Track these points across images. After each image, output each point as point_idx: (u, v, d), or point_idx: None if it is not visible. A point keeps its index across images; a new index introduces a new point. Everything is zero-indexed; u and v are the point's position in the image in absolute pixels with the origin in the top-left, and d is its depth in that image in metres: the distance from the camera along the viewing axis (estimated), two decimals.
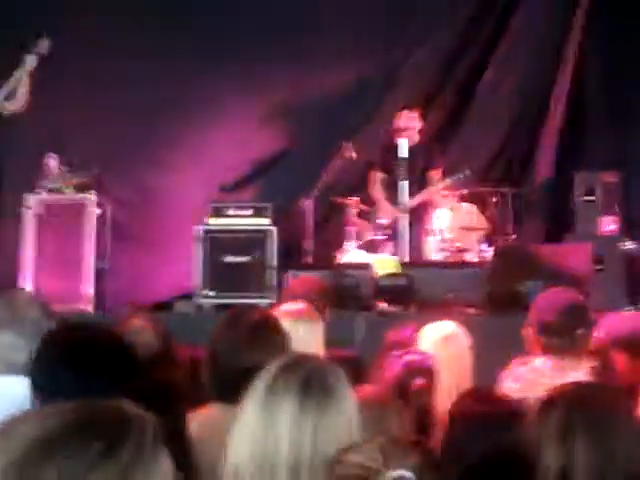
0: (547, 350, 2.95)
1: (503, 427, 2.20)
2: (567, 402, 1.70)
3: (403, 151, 7.87)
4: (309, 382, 1.80)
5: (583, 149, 8.85)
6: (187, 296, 8.05)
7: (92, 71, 8.86)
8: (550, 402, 1.73)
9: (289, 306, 3.76)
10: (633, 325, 3.87)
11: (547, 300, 3.26)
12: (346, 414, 1.80)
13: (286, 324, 2.93)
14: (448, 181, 7.96)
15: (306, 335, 3.50)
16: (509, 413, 2.13)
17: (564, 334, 2.91)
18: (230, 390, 2.40)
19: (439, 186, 7.97)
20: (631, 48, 8.56)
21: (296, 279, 4.70)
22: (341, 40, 8.92)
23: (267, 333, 2.56)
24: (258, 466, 1.75)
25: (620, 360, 3.60)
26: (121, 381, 2.00)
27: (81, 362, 2.06)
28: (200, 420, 2.48)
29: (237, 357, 2.49)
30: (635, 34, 8.52)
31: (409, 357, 3.41)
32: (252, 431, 1.78)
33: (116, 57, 8.79)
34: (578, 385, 1.92)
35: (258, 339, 2.52)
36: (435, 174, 8.07)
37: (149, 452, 1.19)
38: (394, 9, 8.96)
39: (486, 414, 2.26)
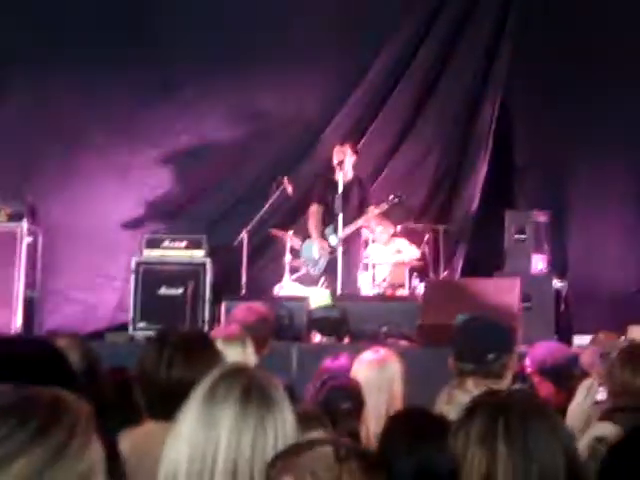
0: (465, 376, 3.01)
1: (432, 442, 2.24)
2: (488, 408, 1.74)
3: (339, 185, 7.97)
4: (249, 389, 1.81)
5: (513, 188, 9.04)
6: (121, 327, 7.98)
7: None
8: (472, 409, 1.77)
9: (222, 329, 3.76)
10: (558, 355, 3.97)
11: (462, 327, 3.33)
12: (285, 423, 1.82)
13: (219, 345, 2.93)
14: (376, 211, 8.05)
15: (239, 359, 3.50)
16: (439, 429, 2.17)
17: (475, 359, 2.98)
18: (162, 407, 2.40)
19: (369, 215, 8.06)
20: (555, 91, 8.82)
21: (239, 307, 4.69)
22: (283, 75, 9.01)
23: (197, 349, 2.55)
24: (196, 471, 1.75)
25: (544, 388, 3.69)
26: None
27: (16, 373, 2.03)
28: (133, 438, 2.47)
29: (167, 373, 2.48)
30: (554, 82, 8.78)
31: (335, 382, 3.45)
32: (191, 436, 1.78)
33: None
34: (498, 392, 1.96)
35: (188, 355, 2.51)
36: (370, 209, 8.16)
37: (81, 436, 1.21)
38: (332, 48, 9.08)
39: (416, 430, 2.30)
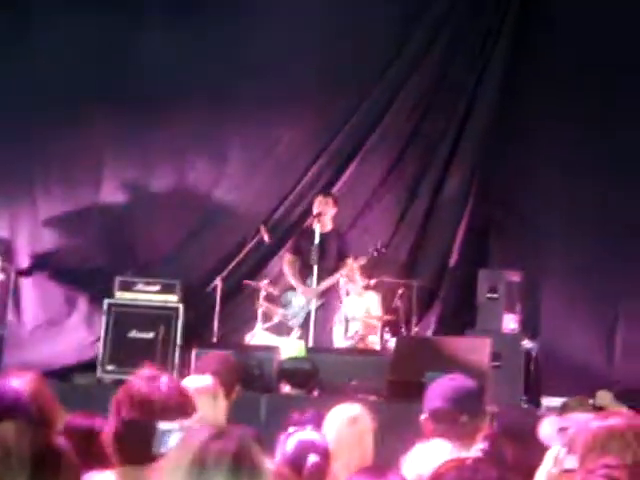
0: (437, 435, 3.02)
1: None
2: (449, 477, 1.76)
3: (317, 236, 8.00)
4: (240, 457, 1.77)
5: (486, 248, 9.12)
6: (88, 367, 7.91)
7: None
8: (434, 477, 1.79)
9: (195, 379, 3.75)
10: (524, 418, 3.99)
11: (436, 387, 3.35)
12: None
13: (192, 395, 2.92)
14: (355, 265, 8.07)
15: (210, 410, 3.50)
16: None
17: (449, 420, 3.00)
18: (137, 454, 2.38)
19: (347, 268, 8.08)
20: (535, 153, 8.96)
21: (208, 355, 4.68)
22: (263, 121, 9.08)
23: (180, 400, 2.54)
24: None
25: (509, 451, 3.70)
26: None
27: None
28: None
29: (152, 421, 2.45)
30: (535, 142, 8.92)
31: (303, 436, 3.45)
32: None
33: None
34: (464, 462, 1.97)
35: (171, 404, 2.49)
36: (347, 262, 8.16)
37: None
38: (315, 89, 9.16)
39: None
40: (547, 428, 3.32)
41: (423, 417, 3.08)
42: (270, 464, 1.87)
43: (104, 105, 8.84)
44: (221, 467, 1.76)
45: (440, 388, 3.23)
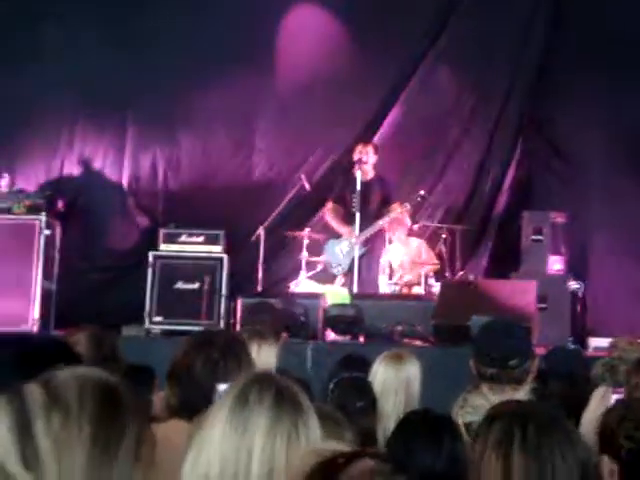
0: (485, 379, 3.01)
1: (444, 444, 2.25)
2: (505, 417, 1.75)
3: (358, 183, 7.96)
4: (282, 395, 1.81)
5: (530, 189, 9.02)
6: (136, 320, 8.01)
7: None
8: (489, 418, 1.78)
9: (252, 328, 3.79)
10: (572, 358, 3.98)
11: (483, 330, 3.33)
12: (315, 430, 1.82)
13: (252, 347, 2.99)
14: (399, 210, 8.03)
15: (266, 359, 3.57)
16: (451, 431, 2.18)
17: (498, 364, 2.99)
18: (192, 408, 2.42)
19: (392, 214, 8.04)
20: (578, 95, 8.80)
21: (252, 303, 4.73)
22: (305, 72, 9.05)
23: (239, 353, 2.58)
24: (230, 475, 1.75)
25: (559, 391, 3.70)
26: None
27: (30, 370, 2.05)
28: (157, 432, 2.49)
29: (211, 376, 2.49)
30: (580, 86, 8.76)
31: (350, 380, 3.48)
32: (223, 440, 1.77)
33: None
34: (517, 402, 1.97)
35: (231, 359, 2.54)
36: (393, 207, 8.11)
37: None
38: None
39: (429, 432, 2.32)
40: (598, 368, 3.31)
41: (472, 360, 3.07)
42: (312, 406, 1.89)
43: None
44: (263, 403, 1.78)
45: (488, 331, 3.21)
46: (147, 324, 7.86)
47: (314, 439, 1.81)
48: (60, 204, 8.72)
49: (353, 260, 7.97)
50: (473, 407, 2.86)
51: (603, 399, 2.76)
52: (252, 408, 1.79)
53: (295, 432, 1.79)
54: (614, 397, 2.63)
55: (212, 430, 1.81)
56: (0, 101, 8.91)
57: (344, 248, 8.11)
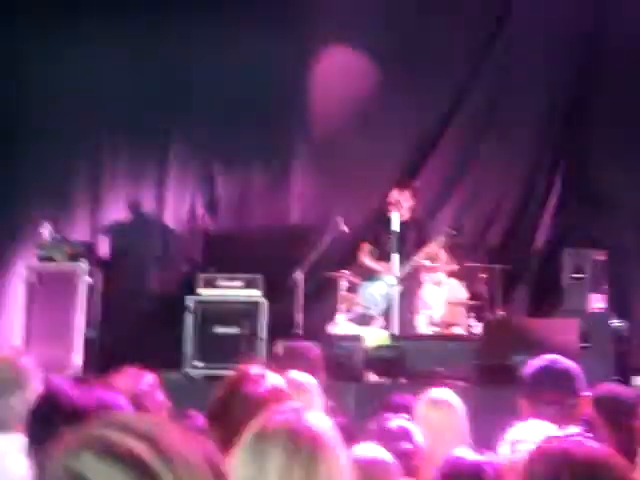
0: (542, 417, 2.98)
1: None
2: (552, 454, 1.73)
3: (395, 224, 7.96)
4: (298, 429, 1.82)
5: (569, 227, 8.96)
6: (176, 365, 8.02)
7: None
8: (536, 454, 1.76)
9: (293, 375, 3.78)
10: (622, 397, 3.91)
11: (540, 369, 3.29)
12: (335, 465, 1.81)
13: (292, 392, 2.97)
14: (434, 245, 8.00)
15: (308, 404, 3.55)
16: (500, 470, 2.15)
17: (547, 401, 2.95)
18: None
19: (428, 250, 8.01)
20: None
21: (293, 346, 4.72)
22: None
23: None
24: None
25: (606, 430, 3.63)
26: None
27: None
28: None
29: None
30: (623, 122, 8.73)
31: (394, 423, 3.46)
32: (239, 471, 1.79)
33: None
34: (563, 438, 1.95)
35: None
36: (431, 245, 8.09)
37: None
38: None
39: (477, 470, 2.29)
40: None
41: (520, 399, 3.04)
42: (345, 452, 1.87)
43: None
44: (278, 439, 1.78)
45: (545, 370, 3.18)
46: (187, 369, 7.88)
47: (337, 475, 1.79)
48: (102, 251, 8.82)
49: (390, 301, 7.94)
50: (520, 445, 2.82)
51: None
52: (268, 442, 1.79)
53: (312, 467, 1.78)
54: None
55: (234, 465, 1.81)
56: (40, 149, 9.08)
57: (380, 289, 8.10)
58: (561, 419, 3.05)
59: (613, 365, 7.43)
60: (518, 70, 9.14)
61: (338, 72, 9.33)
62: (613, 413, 3.69)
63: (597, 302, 7.95)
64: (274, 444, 1.80)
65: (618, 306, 8.18)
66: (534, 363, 3.36)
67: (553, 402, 2.96)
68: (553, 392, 2.98)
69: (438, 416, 3.59)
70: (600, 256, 8.09)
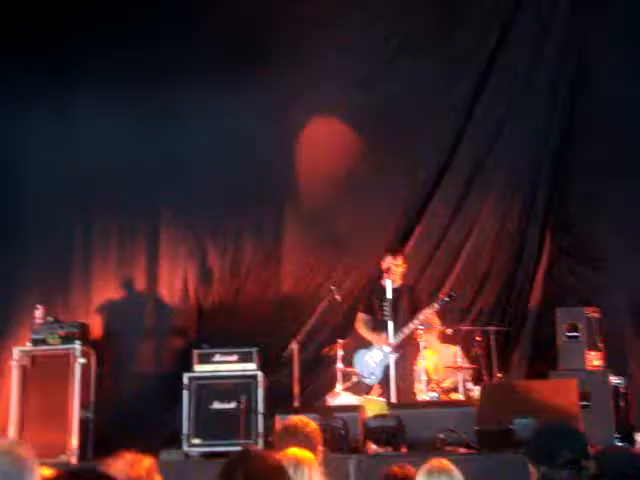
0: None
1: None
2: None
3: (388, 292, 7.97)
4: None
5: (561, 286, 8.97)
6: (174, 443, 7.93)
7: None
8: None
9: (292, 451, 3.75)
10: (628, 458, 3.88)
11: (547, 434, 3.27)
12: None
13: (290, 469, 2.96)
14: (429, 311, 7.98)
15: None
16: None
17: (571, 466, 2.93)
18: None
19: (421, 317, 8.00)
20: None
21: (288, 420, 4.69)
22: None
23: (276, 476, 2.56)
24: None
25: None
26: None
27: None
28: None
29: None
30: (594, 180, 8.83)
31: None
32: None
33: None
34: None
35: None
36: (425, 311, 8.07)
37: None
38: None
39: None
40: None
41: (530, 465, 3.02)
42: None
43: None
44: None
45: (556, 433, 3.16)
46: (185, 447, 7.79)
47: None
48: (95, 331, 8.79)
49: (386, 368, 7.91)
50: None
51: None
52: None
53: None
54: None
55: None
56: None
57: (376, 357, 8.07)
58: None
59: (614, 423, 7.39)
60: (502, 132, 9.25)
61: (323, 142, 9.43)
62: (619, 471, 3.66)
63: (594, 360, 7.93)
64: None
65: (615, 363, 8.16)
66: (543, 427, 3.34)
67: (575, 467, 2.94)
68: (572, 454, 2.96)
69: None
70: (593, 313, 8.10)
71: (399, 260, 8.27)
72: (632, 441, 7.38)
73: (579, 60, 9.09)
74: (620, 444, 7.05)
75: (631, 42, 8.78)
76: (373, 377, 8.08)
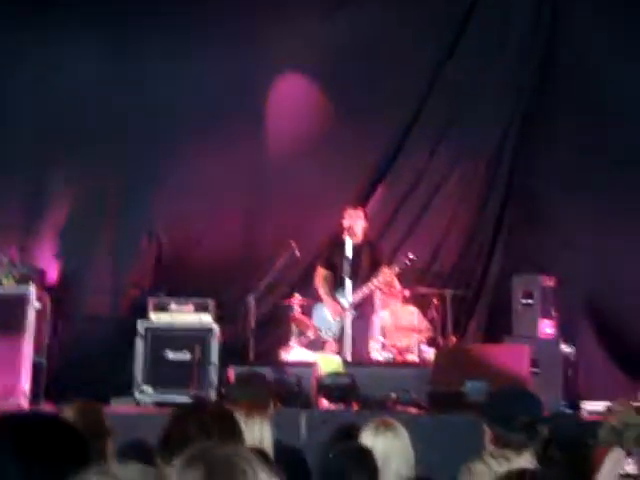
0: (506, 445, 2.99)
1: None
2: None
3: (348, 250, 7.97)
4: (214, 469, 1.73)
5: (520, 253, 9.05)
6: (126, 391, 7.91)
7: None
8: None
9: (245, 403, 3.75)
10: (574, 423, 3.95)
11: (503, 398, 3.31)
12: None
13: (241, 420, 2.93)
14: (388, 273, 8.00)
15: (260, 430, 3.54)
16: None
17: (525, 429, 2.97)
18: None
19: (381, 278, 8.02)
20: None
21: (242, 373, 4.70)
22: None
23: (231, 424, 2.55)
24: None
25: (561, 455, 3.66)
26: (74, 468, 1.96)
27: (32, 452, 2.01)
28: None
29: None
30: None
31: (351, 449, 3.47)
32: None
33: None
34: (526, 472, 1.95)
35: (225, 429, 2.50)
36: (382, 271, 8.08)
37: None
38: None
39: None
40: (603, 433, 3.29)
41: (484, 426, 3.06)
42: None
43: None
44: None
45: (511, 397, 3.20)
46: (137, 394, 7.78)
47: None
48: (51, 275, 8.70)
49: (343, 325, 7.94)
50: (478, 476, 2.83)
51: (617, 463, 2.74)
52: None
53: None
54: (629, 461, 2.61)
55: None
56: None
57: (332, 312, 8.10)
58: (533, 444, 3.06)
59: (561, 390, 7.51)
60: (467, 103, 9.24)
61: (291, 99, 9.37)
62: (566, 436, 3.72)
63: (546, 328, 8.03)
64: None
65: (567, 332, 8.27)
66: (500, 390, 3.38)
67: (527, 427, 2.98)
68: (528, 417, 3.00)
69: (391, 443, 3.59)
70: (549, 282, 8.18)
71: (360, 215, 8.24)
72: (578, 409, 7.51)
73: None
74: (567, 411, 7.17)
75: (605, 19, 8.81)
76: (330, 332, 8.10)
